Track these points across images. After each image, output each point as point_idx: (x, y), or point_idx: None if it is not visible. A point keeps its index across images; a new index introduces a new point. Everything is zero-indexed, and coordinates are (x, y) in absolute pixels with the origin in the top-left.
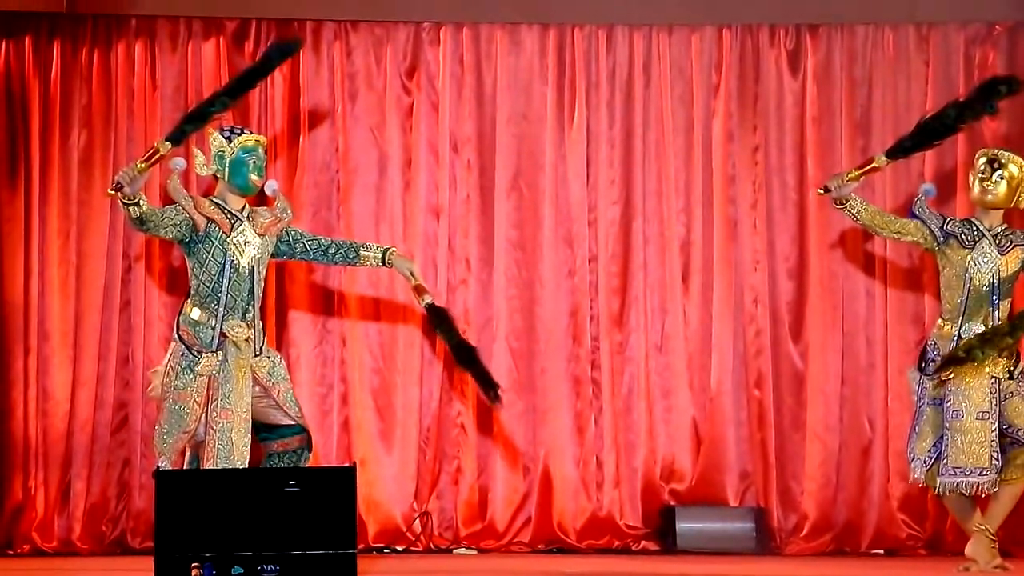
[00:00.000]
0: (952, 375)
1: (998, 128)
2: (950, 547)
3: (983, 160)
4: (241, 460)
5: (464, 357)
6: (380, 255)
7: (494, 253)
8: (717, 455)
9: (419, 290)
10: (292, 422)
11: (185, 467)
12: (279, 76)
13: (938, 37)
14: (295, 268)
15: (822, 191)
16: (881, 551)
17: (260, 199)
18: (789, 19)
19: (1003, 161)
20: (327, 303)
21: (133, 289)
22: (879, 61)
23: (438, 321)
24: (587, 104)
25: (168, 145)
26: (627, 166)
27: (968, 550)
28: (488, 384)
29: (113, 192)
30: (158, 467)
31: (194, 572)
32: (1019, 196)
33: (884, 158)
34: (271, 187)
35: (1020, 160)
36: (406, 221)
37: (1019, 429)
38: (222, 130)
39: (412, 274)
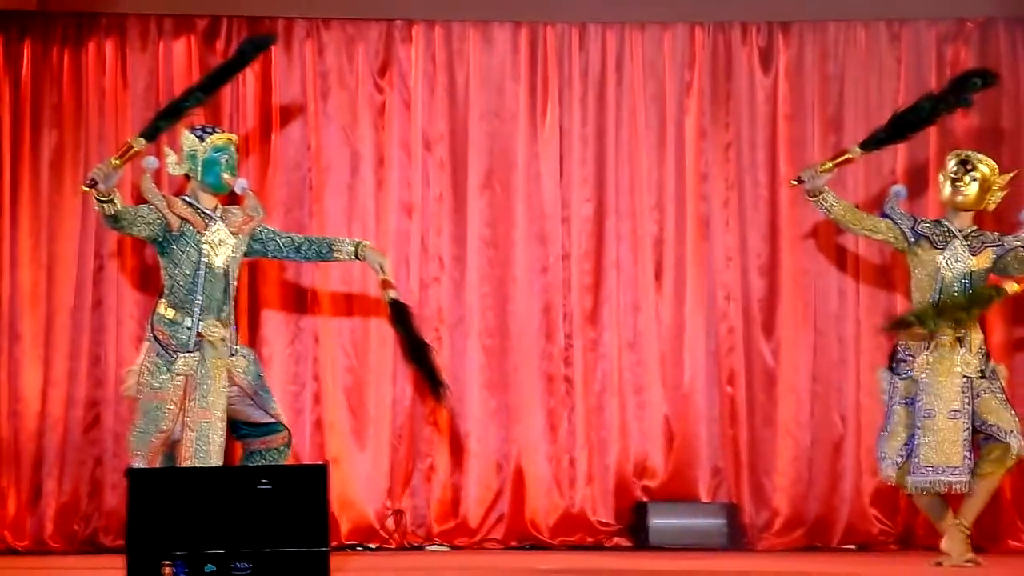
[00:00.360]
0: (917, 362)
1: (970, 124)
2: (921, 542)
3: (954, 161)
4: (217, 460)
5: (416, 354)
6: (353, 248)
7: (467, 251)
8: (689, 452)
9: (386, 284)
10: (272, 420)
11: (160, 466)
12: (251, 74)
13: (910, 34)
14: (268, 267)
15: (795, 182)
16: (853, 546)
17: (231, 198)
18: (761, 17)
19: (975, 162)
20: (300, 301)
21: (104, 288)
22: (851, 58)
23: (399, 317)
24: (560, 102)
25: (143, 142)
26: (600, 164)
27: (943, 544)
28: (436, 383)
29: (88, 188)
30: (131, 465)
31: (166, 570)
32: (989, 198)
33: (858, 149)
34: (241, 185)
35: (991, 162)
36: (378, 219)
37: (992, 425)
38: (194, 129)
39: (382, 268)
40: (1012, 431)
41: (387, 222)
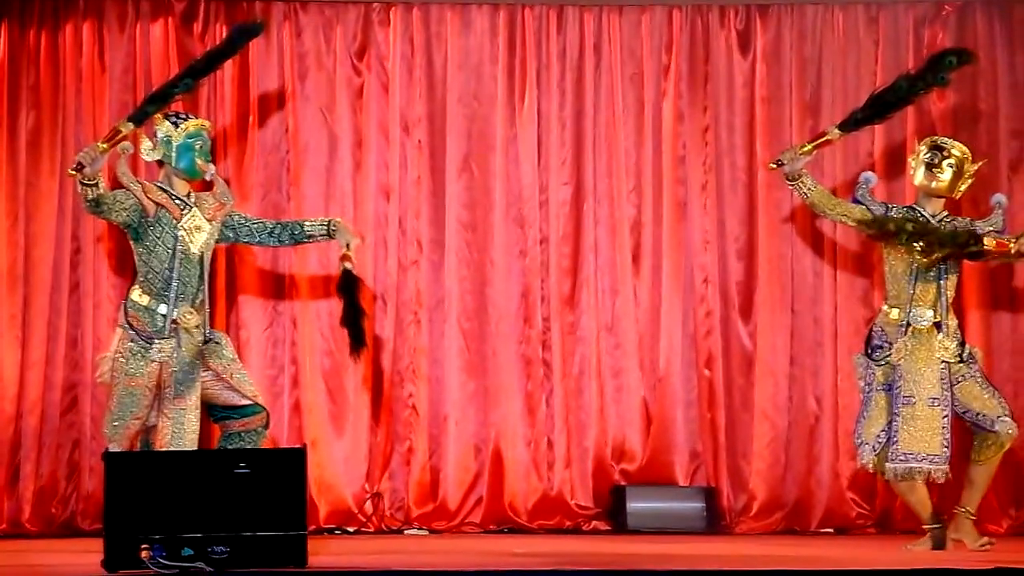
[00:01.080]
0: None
1: (947, 105)
2: (899, 526)
3: (929, 147)
4: (192, 446)
5: (352, 319)
6: (325, 227)
7: (445, 234)
8: (667, 435)
9: (345, 257)
10: (250, 402)
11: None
12: None
13: (887, 17)
14: (245, 250)
15: (775, 165)
16: (831, 530)
17: (201, 185)
18: (739, 0)
19: (949, 148)
20: (277, 285)
21: (82, 271)
22: (828, 41)
23: (347, 285)
24: (538, 85)
25: (130, 125)
26: (578, 147)
27: (952, 533)
28: (358, 342)
29: (74, 172)
30: (107, 449)
31: (143, 553)
32: (961, 185)
33: (836, 130)
34: (209, 172)
35: (964, 148)
36: (356, 202)
37: (977, 413)
38: (168, 115)
39: (348, 245)
40: (999, 416)
41: (365, 205)
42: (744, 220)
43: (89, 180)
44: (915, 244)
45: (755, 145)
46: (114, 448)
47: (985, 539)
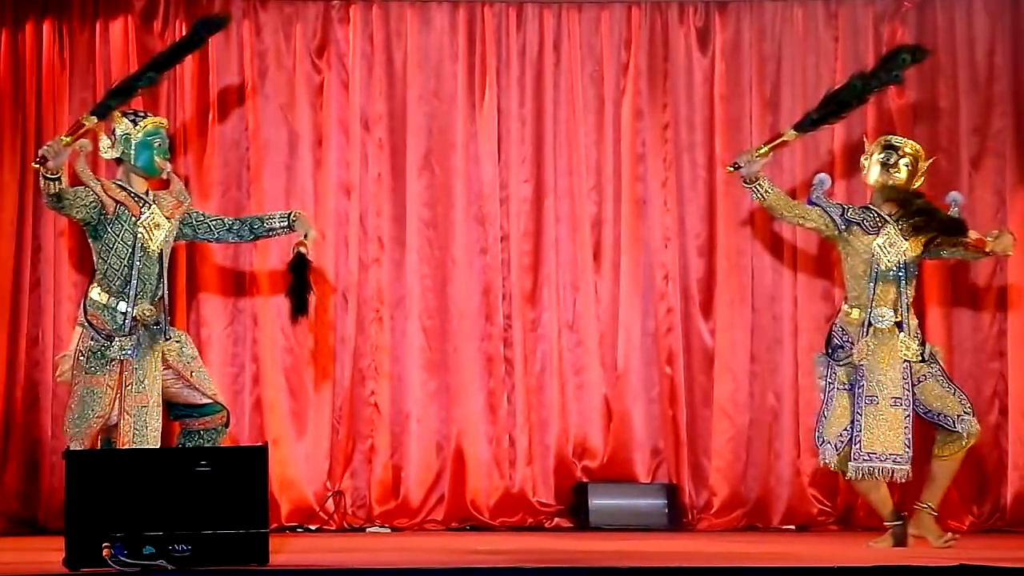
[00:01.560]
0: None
1: (906, 102)
2: (861, 522)
3: (882, 146)
4: (154, 444)
5: (297, 288)
6: (286, 219)
7: (406, 232)
8: (629, 432)
9: (301, 244)
10: (210, 400)
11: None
12: None
13: (847, 13)
14: (205, 248)
15: (732, 168)
16: (792, 527)
17: (160, 183)
18: None
19: (903, 147)
20: (238, 282)
21: (43, 269)
22: (788, 38)
23: (298, 265)
24: (498, 82)
25: (94, 119)
26: (538, 144)
27: (912, 529)
28: (300, 307)
29: (37, 164)
30: (68, 447)
31: (105, 551)
32: (916, 182)
33: (793, 132)
34: (166, 170)
35: (917, 145)
36: (317, 199)
37: (938, 413)
38: (126, 113)
39: (306, 235)
40: (959, 415)
41: (326, 202)
42: (704, 217)
43: (52, 174)
44: (919, 219)
45: (715, 142)
46: (75, 447)
47: (948, 535)
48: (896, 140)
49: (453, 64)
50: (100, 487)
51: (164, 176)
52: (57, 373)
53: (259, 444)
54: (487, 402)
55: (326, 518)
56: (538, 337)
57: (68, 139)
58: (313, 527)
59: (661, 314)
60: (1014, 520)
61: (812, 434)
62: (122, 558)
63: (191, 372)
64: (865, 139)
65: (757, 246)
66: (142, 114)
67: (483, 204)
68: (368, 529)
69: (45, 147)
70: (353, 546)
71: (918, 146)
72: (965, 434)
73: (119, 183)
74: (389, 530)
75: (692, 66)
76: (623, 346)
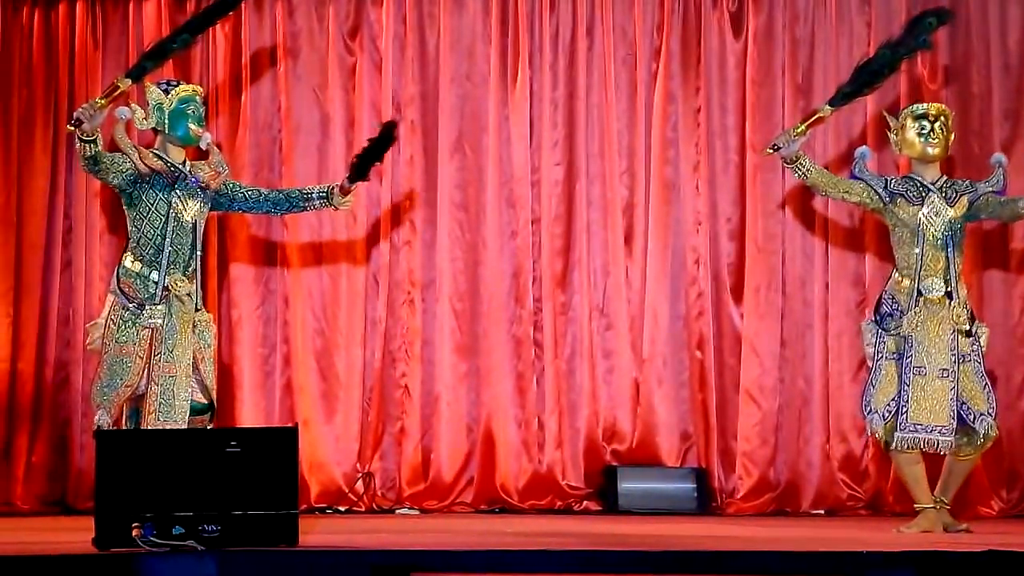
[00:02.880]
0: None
1: (938, 85)
2: (890, 507)
3: (914, 116)
4: (182, 416)
5: (370, 155)
6: (325, 194)
7: (437, 214)
8: (658, 416)
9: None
10: (202, 400)
11: (124, 421)
12: (220, 35)
13: None
14: (237, 229)
15: (771, 150)
16: (822, 511)
17: (196, 153)
18: None
19: (935, 113)
20: (269, 264)
21: (74, 249)
22: (821, 22)
23: (384, 139)
24: (530, 65)
25: (128, 81)
26: (570, 128)
27: (928, 526)
28: (361, 173)
29: (72, 127)
30: (99, 426)
31: (135, 532)
32: (950, 137)
33: (828, 107)
34: (205, 140)
35: (939, 104)
36: None
37: (963, 403)
38: (159, 83)
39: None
40: (982, 413)
41: (358, 185)
42: (735, 201)
43: (88, 136)
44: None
45: (746, 127)
46: (102, 415)
47: (964, 526)
48: (923, 108)
49: (486, 47)
50: (130, 467)
51: (202, 145)
52: (88, 341)
53: (289, 425)
54: (517, 385)
55: (355, 499)
56: (568, 320)
57: (103, 101)
58: (342, 508)
59: (692, 298)
60: None
61: (841, 419)
62: (152, 538)
63: (202, 359)
64: (886, 114)
65: (788, 230)
66: (175, 83)
67: (514, 187)
68: (397, 511)
69: (80, 109)
70: (382, 527)
71: (941, 105)
72: (982, 434)
73: (156, 152)
74: (418, 512)
75: (725, 50)
76: (653, 330)
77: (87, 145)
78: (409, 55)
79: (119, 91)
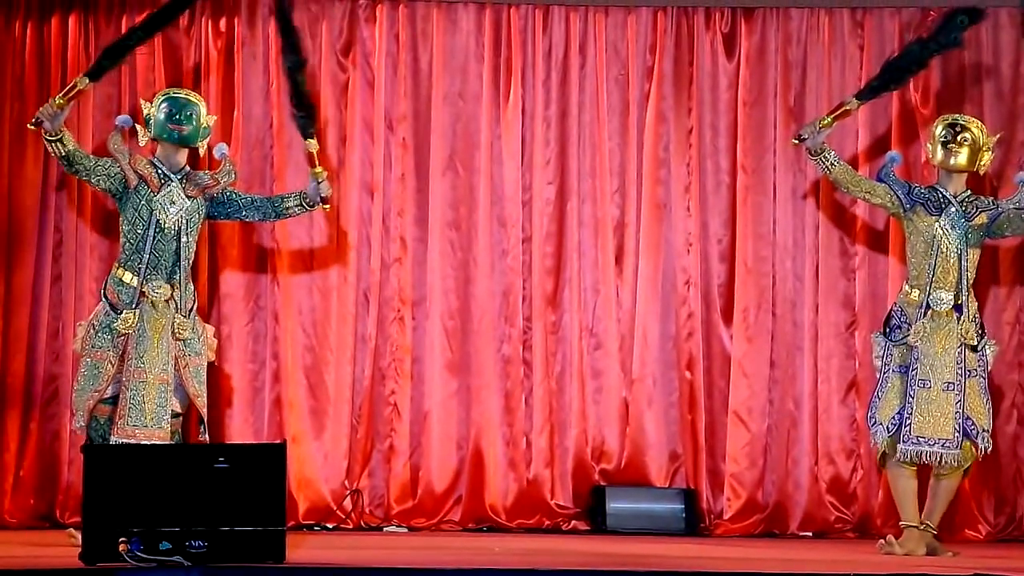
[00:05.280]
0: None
1: (930, 111)
2: (878, 530)
3: (943, 126)
4: (154, 421)
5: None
6: (299, 199)
7: (429, 232)
8: (647, 436)
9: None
10: (179, 409)
11: (97, 428)
12: (213, 50)
13: (873, 22)
14: (227, 243)
15: (796, 140)
16: (809, 533)
17: (209, 162)
18: (725, 2)
19: (964, 124)
20: (259, 280)
21: (64, 262)
22: (814, 45)
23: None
24: (523, 84)
25: (86, 81)
26: (562, 146)
27: (912, 547)
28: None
29: (33, 127)
30: (75, 430)
31: (122, 547)
32: (980, 160)
33: (855, 100)
34: (220, 151)
35: (979, 123)
36: (341, 199)
37: (967, 418)
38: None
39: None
40: (983, 430)
41: (349, 202)
42: (726, 222)
43: (52, 136)
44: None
45: (737, 148)
46: (79, 419)
47: (950, 552)
48: (955, 118)
49: (478, 65)
50: (118, 482)
51: (217, 156)
52: (74, 341)
53: (278, 442)
54: (506, 404)
55: (343, 517)
56: (558, 340)
57: (61, 100)
58: (330, 525)
59: (682, 319)
60: None
61: (829, 441)
62: (139, 553)
63: (185, 365)
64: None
65: (779, 252)
66: (161, 91)
67: (506, 206)
68: (385, 528)
69: (40, 110)
70: (370, 545)
71: (981, 124)
72: (981, 450)
73: (152, 160)
74: (406, 529)
75: (717, 71)
76: (643, 350)
77: (54, 144)
78: (402, 73)
79: (77, 90)
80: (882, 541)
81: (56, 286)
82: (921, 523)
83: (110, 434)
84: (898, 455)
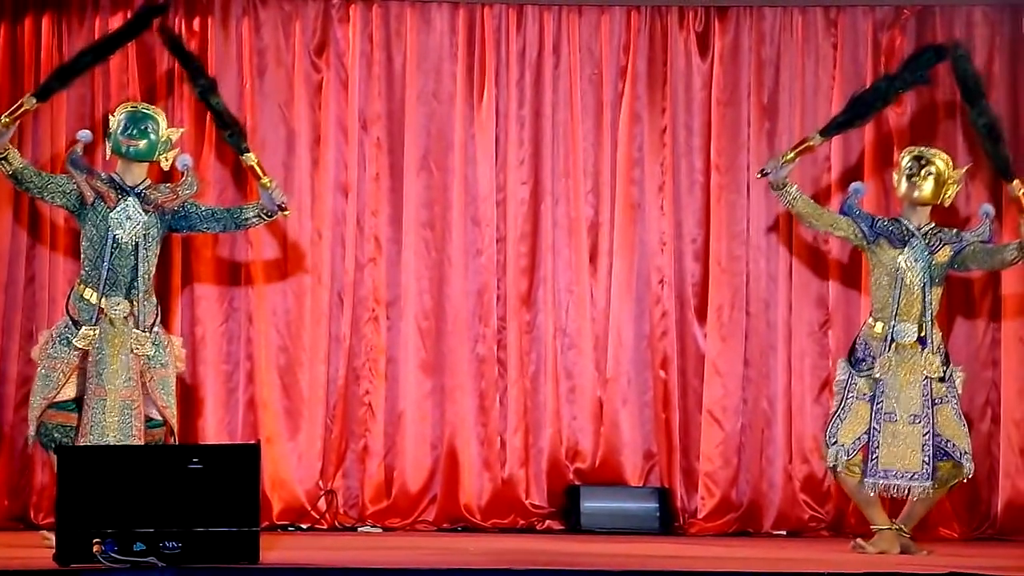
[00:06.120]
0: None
1: (903, 109)
2: (852, 529)
3: (909, 158)
4: (116, 439)
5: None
6: (256, 210)
7: (403, 232)
8: (622, 435)
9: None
10: (156, 416)
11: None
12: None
13: (846, 21)
14: (202, 246)
15: (760, 175)
16: (784, 532)
17: (163, 176)
18: (698, 1)
19: (929, 157)
20: (233, 280)
21: (37, 264)
22: (787, 44)
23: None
24: (496, 83)
25: (34, 101)
26: (536, 146)
27: (879, 546)
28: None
29: None
30: (27, 437)
31: (95, 548)
32: (945, 192)
33: (818, 136)
34: (183, 162)
35: (945, 156)
36: (315, 199)
37: (947, 440)
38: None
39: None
40: (965, 451)
41: (323, 202)
42: (700, 222)
43: None
44: (986, 130)
45: (711, 147)
46: (30, 427)
47: (925, 551)
48: (921, 150)
49: (452, 65)
50: (91, 483)
51: (180, 167)
52: (33, 348)
53: (252, 442)
54: (480, 403)
55: (318, 517)
56: (532, 339)
57: (7, 119)
58: (305, 526)
59: (656, 318)
60: (1005, 528)
61: (803, 440)
62: (112, 554)
63: (151, 378)
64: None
65: (752, 251)
66: (122, 104)
67: (480, 205)
68: (360, 528)
69: None
70: (344, 545)
71: (947, 157)
72: (967, 469)
73: (111, 174)
74: (381, 530)
75: (691, 71)
76: (617, 350)
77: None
78: (376, 72)
79: (24, 110)
80: (854, 542)
81: (29, 288)
82: (894, 525)
83: (64, 439)
84: (865, 488)
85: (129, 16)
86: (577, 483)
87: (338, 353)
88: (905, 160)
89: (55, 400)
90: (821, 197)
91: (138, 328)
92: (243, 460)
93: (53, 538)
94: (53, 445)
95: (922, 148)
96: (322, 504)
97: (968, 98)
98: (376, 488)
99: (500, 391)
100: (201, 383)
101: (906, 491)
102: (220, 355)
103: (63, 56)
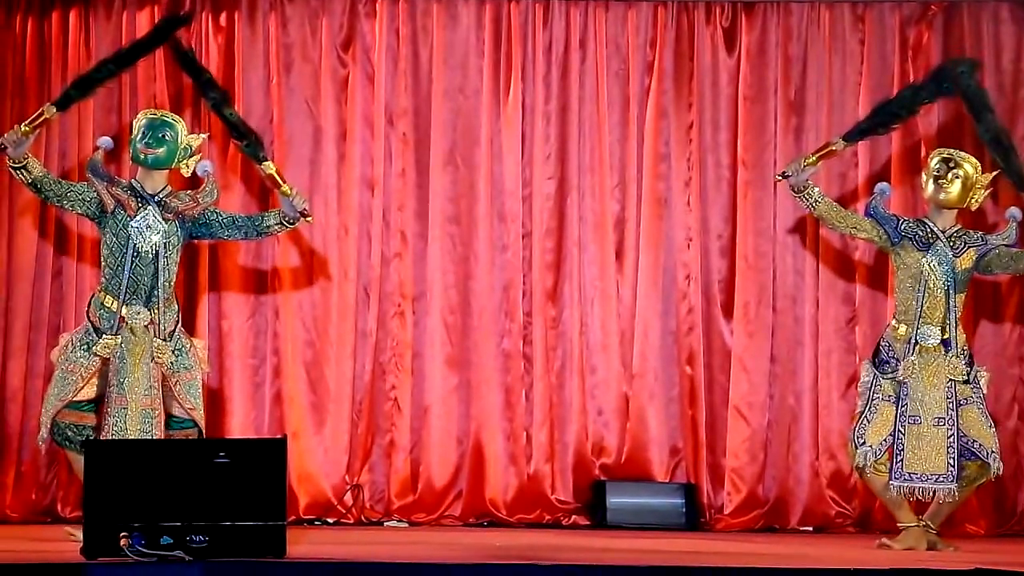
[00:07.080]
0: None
1: (932, 121)
2: (879, 525)
3: (937, 160)
4: None
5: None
6: (278, 218)
7: (429, 227)
8: (648, 431)
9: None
10: (185, 416)
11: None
12: (214, 46)
13: (873, 17)
14: (229, 242)
15: (780, 177)
16: (810, 528)
17: (186, 183)
18: None
19: (958, 160)
20: (260, 275)
21: (65, 260)
22: (814, 40)
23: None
24: (523, 79)
25: (53, 110)
26: (562, 141)
27: (912, 543)
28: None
29: None
30: (88, 437)
31: (123, 541)
32: (972, 196)
33: (841, 141)
34: (203, 168)
35: (973, 160)
36: (341, 194)
37: (974, 440)
38: None
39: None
40: (992, 451)
41: (349, 197)
42: (727, 218)
43: (15, 163)
44: (1002, 156)
45: (738, 143)
46: (42, 429)
47: (951, 548)
48: (950, 152)
49: (479, 60)
50: (119, 477)
51: (200, 173)
52: (52, 350)
53: (278, 437)
54: (506, 399)
55: (344, 511)
56: (558, 335)
57: (26, 128)
58: (331, 520)
59: (682, 314)
60: None
61: (830, 436)
62: (139, 548)
63: (176, 382)
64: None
65: (779, 247)
66: (143, 111)
67: (506, 201)
68: (386, 523)
69: (4, 136)
70: (370, 539)
71: (976, 161)
72: (994, 468)
73: (132, 182)
74: (407, 524)
75: (718, 66)
76: (643, 345)
77: (19, 172)
78: (402, 68)
79: (43, 119)
80: (880, 541)
81: (56, 282)
82: (921, 522)
83: (77, 437)
84: (891, 490)
85: (155, 12)
86: (603, 478)
87: (364, 348)
88: (934, 161)
89: (72, 400)
90: (847, 197)
91: (159, 337)
92: (270, 455)
93: (78, 534)
94: (68, 444)
95: (952, 150)
96: (348, 499)
97: (973, 113)
98: (402, 483)
99: (526, 386)
100: (228, 378)
101: (931, 493)
102: (247, 350)
103: (90, 51)
